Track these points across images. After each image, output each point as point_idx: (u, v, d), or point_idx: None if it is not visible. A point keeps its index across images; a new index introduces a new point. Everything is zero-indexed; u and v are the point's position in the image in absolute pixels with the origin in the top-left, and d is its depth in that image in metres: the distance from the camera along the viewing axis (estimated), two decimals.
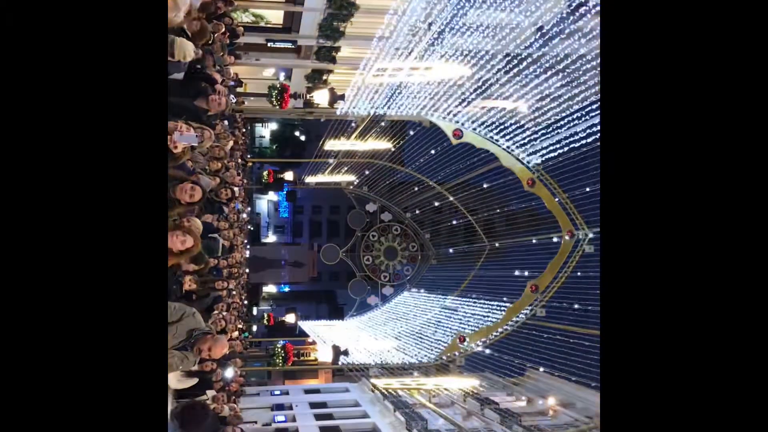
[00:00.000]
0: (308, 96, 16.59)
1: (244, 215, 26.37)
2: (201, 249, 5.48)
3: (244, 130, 24.30)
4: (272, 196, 43.79)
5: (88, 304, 1.83)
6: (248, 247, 31.60)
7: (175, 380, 6.44)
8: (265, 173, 27.81)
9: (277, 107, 16.12)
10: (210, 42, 8.78)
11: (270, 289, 42.89)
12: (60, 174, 1.84)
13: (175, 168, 4.94)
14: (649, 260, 1.97)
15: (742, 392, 1.81)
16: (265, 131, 43.42)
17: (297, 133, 42.96)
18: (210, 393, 8.90)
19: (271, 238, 45.20)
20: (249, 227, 35.69)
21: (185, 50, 5.95)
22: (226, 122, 11.94)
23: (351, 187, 31.45)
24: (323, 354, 21.28)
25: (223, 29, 12.01)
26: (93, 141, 1.89)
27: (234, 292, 15.33)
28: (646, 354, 1.94)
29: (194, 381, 7.19)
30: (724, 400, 1.83)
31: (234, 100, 12.30)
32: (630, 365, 1.96)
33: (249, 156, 30.58)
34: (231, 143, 12.35)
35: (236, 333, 14.63)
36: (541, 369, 20.30)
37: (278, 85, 15.50)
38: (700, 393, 1.87)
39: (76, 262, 1.82)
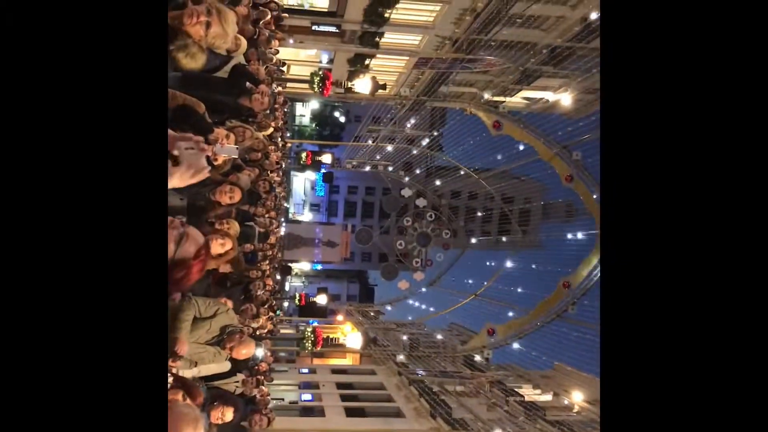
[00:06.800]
0: (349, 84, 16.63)
1: (281, 192, 26.61)
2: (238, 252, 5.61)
3: (285, 110, 24.49)
4: (309, 174, 44.11)
5: (83, 332, 1.73)
6: (284, 224, 31.97)
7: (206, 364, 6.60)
8: (303, 154, 28.03)
9: (319, 94, 16.23)
10: (255, 36, 8.86)
11: (302, 266, 43.45)
12: (54, 187, 1.74)
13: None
14: (650, 266, 1.94)
15: (748, 406, 1.81)
16: (305, 110, 43.61)
17: (337, 114, 43.04)
18: (240, 376, 9.13)
19: (306, 216, 45.65)
20: (285, 204, 36.02)
21: (241, 45, 6.09)
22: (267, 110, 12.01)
23: (388, 170, 31.50)
24: (352, 341, 21.58)
25: (269, 16, 12.06)
26: (91, 148, 1.80)
27: (268, 273, 15.58)
28: (648, 356, 1.92)
29: (227, 366, 7.36)
30: (728, 411, 1.83)
31: (276, 89, 12.39)
32: (631, 367, 1.93)
33: (288, 135, 30.82)
34: (271, 130, 12.47)
35: (265, 317, 14.88)
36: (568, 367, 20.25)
37: (321, 73, 15.59)
38: (702, 400, 1.85)
39: (69, 282, 1.73)
